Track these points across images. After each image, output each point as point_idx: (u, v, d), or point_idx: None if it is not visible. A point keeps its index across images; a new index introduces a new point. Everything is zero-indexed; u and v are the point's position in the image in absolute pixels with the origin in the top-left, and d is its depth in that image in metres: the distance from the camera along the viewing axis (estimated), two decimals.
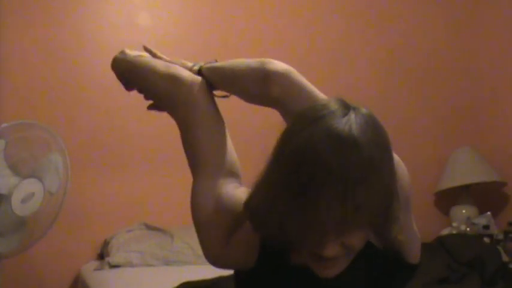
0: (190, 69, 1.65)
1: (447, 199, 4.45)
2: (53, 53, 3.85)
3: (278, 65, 1.49)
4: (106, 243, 3.73)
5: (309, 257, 1.23)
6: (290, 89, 1.47)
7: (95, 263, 3.65)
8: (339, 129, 1.17)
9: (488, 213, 4.02)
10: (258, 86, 1.47)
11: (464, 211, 4.25)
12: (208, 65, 1.63)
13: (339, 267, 1.24)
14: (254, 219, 1.27)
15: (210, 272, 2.99)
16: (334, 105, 1.26)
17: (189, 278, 3.02)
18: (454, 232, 3.93)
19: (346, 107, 1.26)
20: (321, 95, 1.53)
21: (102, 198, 3.88)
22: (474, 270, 3.18)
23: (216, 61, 1.66)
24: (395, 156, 1.42)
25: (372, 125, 1.25)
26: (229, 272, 1.64)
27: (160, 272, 3.38)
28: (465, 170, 4.27)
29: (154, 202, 3.92)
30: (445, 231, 4.00)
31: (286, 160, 1.19)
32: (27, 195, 2.76)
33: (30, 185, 2.79)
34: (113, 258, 3.49)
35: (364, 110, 1.27)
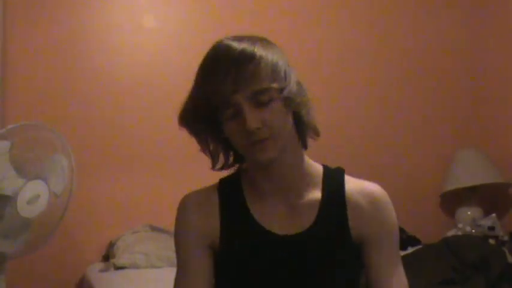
0: None
1: (452, 200, 4.45)
2: (58, 55, 3.86)
3: None
4: (111, 245, 3.73)
5: (244, 147, 1.44)
6: None
7: (100, 265, 3.65)
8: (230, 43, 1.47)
9: (494, 214, 4.02)
10: None
11: (469, 212, 4.25)
12: None
13: (271, 148, 1.41)
14: (187, 120, 1.51)
15: None
16: None
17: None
18: (459, 233, 3.92)
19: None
20: None
21: (108, 200, 3.89)
22: (479, 271, 3.17)
23: None
24: (385, 199, 1.59)
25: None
26: None
27: (165, 273, 3.37)
28: (471, 172, 4.26)
29: (160, 203, 3.92)
30: (450, 233, 4.00)
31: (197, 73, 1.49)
32: (32, 196, 2.76)
33: (36, 187, 2.78)
34: (118, 260, 3.49)
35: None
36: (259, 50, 1.43)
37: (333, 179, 1.58)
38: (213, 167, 1.56)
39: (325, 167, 1.62)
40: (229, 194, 1.59)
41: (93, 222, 3.84)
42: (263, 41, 1.50)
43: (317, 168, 1.60)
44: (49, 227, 2.95)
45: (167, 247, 3.54)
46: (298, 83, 1.49)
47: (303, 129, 1.53)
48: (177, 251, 1.65)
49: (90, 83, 3.91)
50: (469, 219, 4.13)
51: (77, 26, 3.93)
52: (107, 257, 3.75)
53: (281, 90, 1.42)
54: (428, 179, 4.51)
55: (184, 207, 1.62)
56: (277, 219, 1.53)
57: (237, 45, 1.43)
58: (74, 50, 3.90)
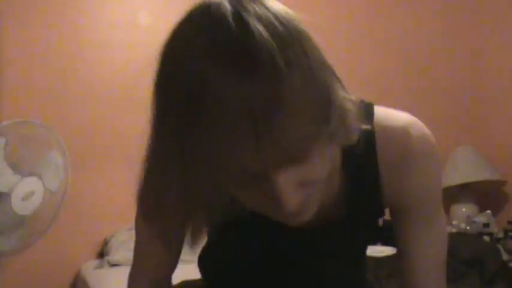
0: None
1: (447, 197, 4.45)
2: (53, 51, 3.85)
3: None
4: (106, 242, 3.73)
5: (271, 215, 0.95)
6: None
7: (95, 262, 3.65)
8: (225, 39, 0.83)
9: (488, 211, 4.02)
10: None
11: (464, 209, 4.25)
12: None
13: (310, 208, 0.95)
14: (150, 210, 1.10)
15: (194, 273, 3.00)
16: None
17: (189, 276, 3.01)
18: (454, 230, 3.93)
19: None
20: None
21: (102, 197, 3.88)
22: (474, 268, 3.18)
23: None
24: (433, 154, 1.22)
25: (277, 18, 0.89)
26: None
27: None
28: (465, 169, 4.27)
29: None
30: None
31: (167, 105, 0.90)
32: (27, 193, 2.76)
33: (30, 184, 2.78)
34: (112, 257, 3.49)
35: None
36: (283, 90, 0.81)
37: (359, 145, 1.01)
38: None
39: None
40: None
41: (87, 220, 3.84)
42: (286, 48, 0.85)
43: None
44: (43, 224, 2.95)
45: None
46: (342, 100, 0.98)
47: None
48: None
49: (85, 80, 3.91)
50: (463, 216, 4.13)
51: (71, 24, 3.92)
52: (101, 254, 3.75)
53: (325, 130, 0.88)
54: None
55: None
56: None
57: (247, 90, 0.79)
58: (69, 47, 3.89)
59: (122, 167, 3.90)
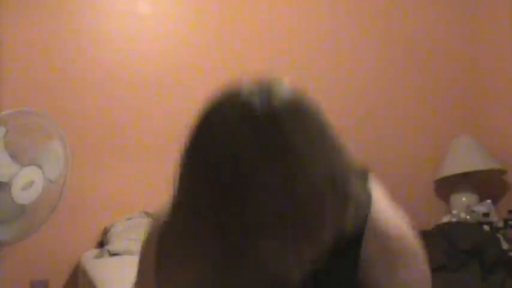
0: None
1: (447, 187, 4.46)
2: (53, 41, 3.84)
3: None
4: (106, 231, 3.74)
5: None
6: None
7: (95, 251, 3.66)
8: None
9: (488, 201, 4.03)
10: None
11: (464, 199, 4.26)
12: None
13: None
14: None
15: None
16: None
17: None
18: (454, 220, 3.93)
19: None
20: None
21: (102, 186, 3.88)
22: (474, 257, 3.18)
23: None
24: (413, 248, 1.23)
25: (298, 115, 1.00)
26: None
27: None
28: (465, 158, 4.27)
29: (154, 190, 3.92)
30: (445, 219, 4.01)
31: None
32: (27, 183, 2.77)
33: (30, 173, 2.79)
34: (112, 246, 3.50)
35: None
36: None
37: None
38: None
39: None
40: None
41: (88, 209, 3.84)
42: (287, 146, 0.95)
43: None
44: (43, 213, 2.96)
45: None
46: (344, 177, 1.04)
47: None
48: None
49: (85, 71, 3.90)
50: (463, 206, 4.13)
51: (71, 14, 3.90)
52: (101, 244, 3.76)
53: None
54: (423, 165, 4.51)
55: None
56: None
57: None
58: (69, 37, 3.88)
59: (122, 157, 3.91)
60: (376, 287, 1.16)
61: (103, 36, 3.96)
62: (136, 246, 3.49)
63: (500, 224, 3.79)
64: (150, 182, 3.91)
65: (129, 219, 3.74)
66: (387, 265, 1.17)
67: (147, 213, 3.80)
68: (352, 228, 1.01)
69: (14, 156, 2.78)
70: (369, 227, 1.15)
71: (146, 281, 1.26)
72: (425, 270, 1.23)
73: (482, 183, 4.39)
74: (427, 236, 3.43)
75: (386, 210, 1.22)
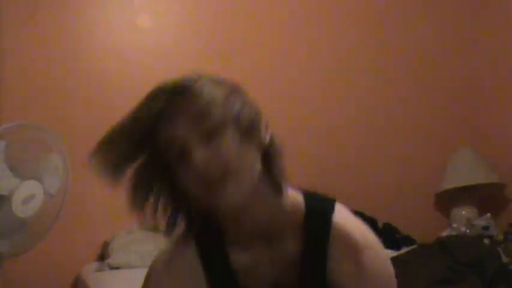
0: None
1: (447, 200, 4.45)
2: (53, 54, 3.85)
3: None
4: (106, 245, 3.73)
5: (200, 196, 1.26)
6: None
7: (95, 264, 3.65)
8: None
9: (488, 214, 4.02)
10: None
11: (464, 212, 4.26)
12: None
13: (231, 190, 1.22)
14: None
15: None
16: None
17: None
18: (454, 233, 3.93)
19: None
20: None
21: (103, 200, 3.87)
22: (474, 271, 3.18)
23: None
24: (380, 251, 1.41)
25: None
26: None
27: None
28: (465, 171, 4.27)
29: None
30: (445, 232, 4.00)
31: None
32: (27, 196, 2.77)
33: (31, 186, 2.79)
34: (113, 260, 3.50)
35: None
36: (193, 80, 1.29)
37: (316, 225, 1.36)
38: (169, 230, 1.44)
39: (309, 207, 1.39)
40: (210, 248, 1.40)
41: (88, 222, 3.84)
42: (201, 75, 1.32)
43: (299, 210, 1.38)
44: (44, 226, 2.96)
45: (162, 247, 3.54)
46: (252, 107, 1.30)
47: (275, 170, 1.32)
48: None
49: (85, 82, 3.91)
50: (463, 219, 4.13)
51: (72, 26, 3.92)
52: (101, 257, 3.75)
53: (227, 112, 1.24)
54: (423, 178, 4.51)
55: (160, 274, 1.49)
56: (259, 275, 1.38)
57: (169, 81, 1.32)
58: (70, 49, 3.89)
59: None
60: (348, 282, 1.34)
61: (104, 48, 3.98)
62: (137, 259, 3.50)
63: (500, 238, 3.79)
64: None
65: (130, 232, 3.74)
66: (354, 260, 1.34)
67: (147, 227, 3.80)
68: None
69: (14, 170, 2.78)
70: (334, 229, 1.36)
71: None
72: (387, 262, 1.42)
73: (482, 196, 4.39)
74: (428, 250, 3.44)
75: (348, 216, 1.40)
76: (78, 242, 3.80)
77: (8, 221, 2.75)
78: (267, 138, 1.30)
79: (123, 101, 3.96)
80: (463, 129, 4.65)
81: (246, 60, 4.10)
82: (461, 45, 4.70)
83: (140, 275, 3.45)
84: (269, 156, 1.30)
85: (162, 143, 1.26)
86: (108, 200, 3.86)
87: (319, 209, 1.38)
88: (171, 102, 1.26)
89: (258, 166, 1.28)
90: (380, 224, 4.10)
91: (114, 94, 3.95)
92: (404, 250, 3.67)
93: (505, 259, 3.37)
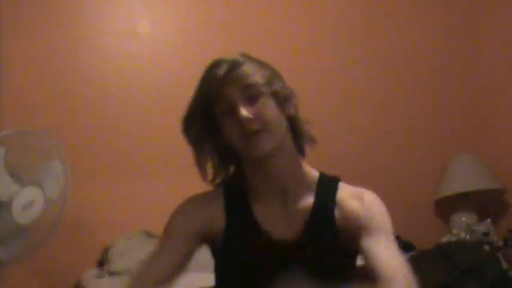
0: None
1: (447, 206, 4.45)
2: (54, 61, 3.85)
3: None
4: (106, 251, 3.73)
5: (239, 140, 1.59)
6: None
7: (95, 271, 3.65)
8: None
9: (488, 220, 4.02)
10: None
11: (464, 218, 4.26)
12: None
13: (265, 141, 1.57)
14: (188, 126, 1.67)
15: (210, 279, 3.00)
16: None
17: (188, 285, 3.01)
18: (454, 239, 3.93)
19: None
20: None
21: (102, 206, 3.88)
22: (474, 277, 3.18)
23: None
24: (375, 200, 1.72)
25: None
26: None
27: None
28: (465, 178, 4.27)
29: (155, 210, 3.92)
30: (445, 239, 4.00)
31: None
32: (27, 202, 2.77)
33: (31, 193, 2.79)
34: (112, 266, 3.49)
35: None
36: (246, 59, 1.64)
37: (327, 186, 1.71)
38: (213, 180, 1.72)
39: (322, 175, 1.74)
40: (234, 197, 1.71)
41: (88, 228, 3.83)
42: (252, 57, 1.68)
43: (314, 175, 1.73)
44: (44, 232, 2.95)
45: None
46: (291, 94, 1.69)
47: (298, 135, 1.69)
48: (165, 230, 1.79)
49: (85, 89, 3.91)
50: (463, 225, 4.13)
51: (72, 32, 3.92)
52: (101, 263, 3.75)
53: (268, 86, 1.61)
54: (423, 185, 4.51)
55: (189, 202, 1.75)
56: (275, 222, 1.66)
57: (228, 56, 1.64)
58: (69, 56, 3.89)
59: (123, 176, 3.92)
60: (354, 215, 1.65)
61: (103, 55, 3.98)
62: (137, 266, 3.50)
63: (500, 244, 3.79)
64: (150, 202, 3.92)
65: (129, 238, 3.74)
66: (358, 198, 1.69)
67: (147, 233, 3.80)
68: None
69: (14, 176, 2.78)
70: (341, 187, 1.72)
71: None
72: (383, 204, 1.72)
73: (482, 202, 4.40)
74: (427, 256, 3.44)
75: (350, 189, 1.74)
76: (77, 248, 3.80)
77: (8, 227, 2.75)
78: (293, 111, 1.68)
79: (122, 109, 3.99)
80: (463, 135, 4.65)
81: None
82: (462, 49, 4.71)
83: None
84: (295, 124, 1.67)
85: (220, 100, 1.59)
86: (108, 206, 3.89)
87: (329, 177, 1.75)
88: (230, 71, 1.59)
89: (284, 126, 1.63)
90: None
91: (114, 102, 3.95)
92: (404, 256, 3.67)
93: (505, 265, 3.37)
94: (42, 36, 3.84)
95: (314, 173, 1.74)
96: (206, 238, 1.70)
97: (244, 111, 1.55)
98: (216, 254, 1.72)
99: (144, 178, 3.95)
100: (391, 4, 4.62)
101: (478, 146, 4.57)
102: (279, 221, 1.66)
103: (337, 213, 1.67)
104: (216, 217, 1.69)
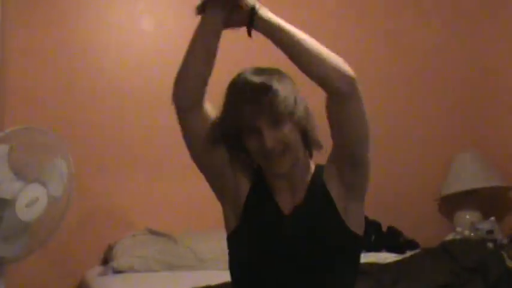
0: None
1: (451, 204, 4.45)
2: (57, 57, 3.86)
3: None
4: (110, 248, 3.73)
5: (263, 162, 1.76)
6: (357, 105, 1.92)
7: (99, 268, 3.65)
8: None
9: (492, 218, 4.02)
10: (335, 73, 1.85)
11: (468, 216, 4.25)
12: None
13: (285, 162, 1.74)
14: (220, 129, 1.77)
15: (214, 277, 3.00)
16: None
17: (192, 283, 3.02)
18: (458, 237, 3.92)
19: None
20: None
21: (106, 203, 3.89)
22: (478, 275, 3.17)
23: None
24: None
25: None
26: None
27: (163, 277, 3.38)
28: (469, 175, 4.27)
29: (159, 208, 3.93)
30: (449, 237, 4.00)
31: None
32: (31, 200, 2.76)
33: (35, 190, 2.78)
34: (116, 263, 3.49)
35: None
36: (275, 84, 1.73)
37: (320, 169, 1.89)
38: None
39: (318, 165, 1.92)
40: (258, 178, 1.89)
41: (92, 226, 3.84)
42: (279, 74, 1.80)
43: (313, 167, 1.91)
44: (48, 230, 2.95)
45: (166, 251, 3.55)
46: (306, 108, 1.80)
47: (309, 143, 1.83)
48: None
49: (89, 86, 3.91)
50: (467, 223, 4.13)
51: (75, 29, 3.93)
52: (105, 261, 3.75)
53: (292, 115, 1.73)
54: (427, 182, 4.51)
55: None
56: (285, 202, 1.85)
57: (257, 80, 1.75)
58: (73, 53, 3.89)
59: (126, 174, 3.92)
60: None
61: (108, 51, 3.98)
62: (140, 263, 3.50)
63: (504, 242, 3.79)
64: (154, 199, 3.92)
65: (134, 236, 3.74)
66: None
67: (151, 230, 3.80)
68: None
69: (18, 173, 2.78)
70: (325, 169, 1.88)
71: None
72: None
73: (486, 200, 4.39)
74: (431, 254, 3.44)
75: None
76: (82, 245, 3.80)
77: (12, 224, 2.75)
78: (309, 128, 1.80)
79: (126, 105, 3.99)
80: (467, 133, 4.65)
81: (252, 63, 4.09)
82: (465, 49, 4.70)
83: (143, 278, 3.46)
84: (308, 135, 1.80)
85: (247, 125, 1.72)
86: (112, 204, 3.89)
87: (320, 165, 1.90)
88: (257, 100, 1.71)
89: (301, 143, 1.79)
90: (384, 228, 4.09)
91: (119, 99, 3.95)
92: (408, 254, 3.67)
93: (509, 263, 3.36)
94: (47, 32, 3.84)
95: (312, 169, 1.91)
96: (230, 191, 1.88)
97: (270, 142, 1.70)
98: (239, 218, 1.87)
99: (148, 176, 3.95)
100: (400, 6, 4.62)
101: (482, 144, 4.56)
102: (288, 201, 1.85)
103: (324, 179, 1.86)
104: (244, 182, 1.88)
